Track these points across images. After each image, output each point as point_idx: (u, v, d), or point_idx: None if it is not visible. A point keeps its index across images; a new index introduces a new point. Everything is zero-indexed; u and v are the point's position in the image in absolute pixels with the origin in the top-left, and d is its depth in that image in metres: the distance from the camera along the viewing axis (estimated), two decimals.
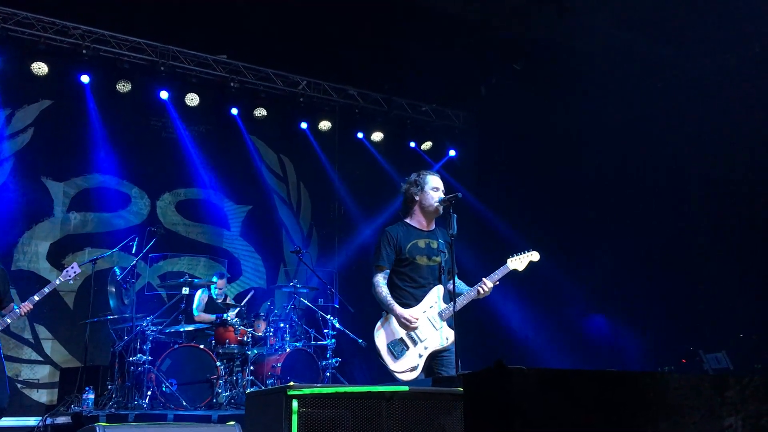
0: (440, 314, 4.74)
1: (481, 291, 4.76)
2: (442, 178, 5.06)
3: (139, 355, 7.22)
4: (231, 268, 10.62)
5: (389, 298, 4.72)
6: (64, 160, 9.88)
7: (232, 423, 5.63)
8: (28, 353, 9.22)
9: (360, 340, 7.97)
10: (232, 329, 7.93)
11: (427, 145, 12.13)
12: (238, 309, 8.38)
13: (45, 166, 9.74)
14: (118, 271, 8.18)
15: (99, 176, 10.08)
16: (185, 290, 7.96)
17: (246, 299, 8.81)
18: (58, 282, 6.38)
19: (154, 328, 7.50)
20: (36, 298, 6.13)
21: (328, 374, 7.93)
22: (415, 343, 4.66)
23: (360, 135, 11.71)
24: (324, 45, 9.97)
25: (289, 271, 10.99)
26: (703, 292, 8.57)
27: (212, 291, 8.96)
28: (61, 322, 9.36)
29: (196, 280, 8.34)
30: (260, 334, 8.09)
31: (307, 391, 3.21)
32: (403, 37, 9.79)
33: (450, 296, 4.73)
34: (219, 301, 8.89)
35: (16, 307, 6.04)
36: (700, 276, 8.59)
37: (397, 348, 4.64)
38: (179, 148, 10.53)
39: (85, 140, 9.85)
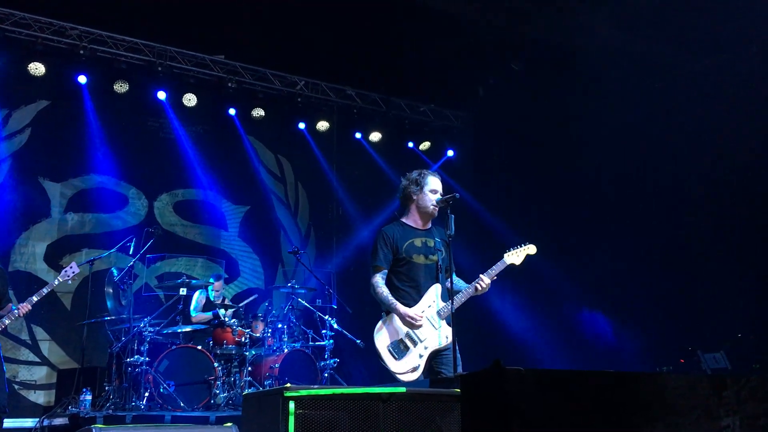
0: (439, 313, 4.73)
1: (479, 287, 4.75)
2: (441, 179, 5.05)
3: (136, 356, 7.21)
4: (229, 269, 10.61)
5: (391, 297, 4.71)
6: (61, 160, 9.87)
7: (229, 424, 5.64)
8: (26, 354, 9.21)
9: (358, 341, 7.96)
10: (230, 330, 7.92)
11: (425, 146, 12.13)
12: (234, 308, 8.36)
13: (42, 166, 9.73)
14: (115, 272, 8.16)
15: (96, 177, 10.07)
16: (183, 291, 7.95)
17: (246, 302, 8.77)
18: (56, 282, 6.35)
19: (151, 329, 7.48)
20: (35, 299, 6.11)
21: (326, 375, 7.92)
22: (415, 343, 4.65)
23: (358, 135, 11.71)
24: (322, 45, 9.96)
25: (287, 272, 10.98)
26: (701, 291, 8.56)
27: (209, 292, 8.95)
28: (59, 323, 9.35)
29: (193, 281, 8.32)
30: (258, 334, 8.07)
31: (303, 392, 3.21)
32: (401, 38, 9.79)
33: (448, 294, 4.71)
34: (217, 302, 8.87)
35: (14, 308, 6.02)
36: (699, 276, 8.59)
37: (398, 349, 4.63)
38: (177, 148, 10.52)
39: (83, 141, 9.84)
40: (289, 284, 8.64)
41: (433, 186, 4.93)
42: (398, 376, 4.56)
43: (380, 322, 4.75)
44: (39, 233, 9.59)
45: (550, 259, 8.64)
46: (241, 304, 8.62)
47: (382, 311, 4.81)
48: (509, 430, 2.05)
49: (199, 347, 7.62)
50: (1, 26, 9.05)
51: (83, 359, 7.92)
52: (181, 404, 7.10)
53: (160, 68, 9.93)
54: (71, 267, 6.48)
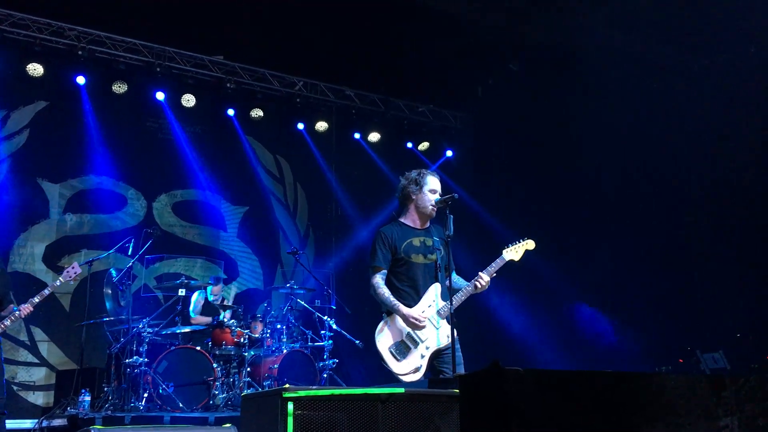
0: (439, 312, 4.72)
1: (478, 285, 4.72)
2: (440, 179, 5.04)
3: (135, 357, 7.20)
4: (228, 270, 10.61)
5: (392, 298, 4.70)
6: (60, 161, 9.86)
7: (228, 425, 5.62)
8: (24, 355, 9.20)
9: (357, 341, 7.96)
10: (229, 331, 7.91)
11: (424, 146, 12.14)
12: (233, 310, 8.35)
13: (41, 167, 9.72)
14: (114, 272, 8.16)
15: (95, 178, 10.06)
16: (182, 292, 7.93)
17: (240, 308, 8.76)
18: (58, 283, 6.28)
19: (150, 330, 7.47)
20: (36, 300, 6.06)
21: (325, 375, 7.91)
22: (416, 344, 4.64)
23: (357, 135, 11.71)
24: (320, 45, 9.96)
25: (285, 272, 10.98)
26: (700, 292, 8.58)
27: (208, 293, 8.94)
28: (58, 324, 9.34)
29: (192, 282, 8.31)
30: (257, 335, 8.06)
31: (302, 393, 3.20)
32: (400, 38, 9.79)
33: (448, 293, 4.70)
34: (215, 304, 8.87)
35: (15, 309, 5.99)
36: (698, 276, 8.60)
37: (399, 350, 4.62)
38: (175, 149, 10.52)
39: (81, 142, 9.84)
40: (288, 285, 8.63)
41: (432, 186, 4.92)
42: (400, 377, 4.55)
43: (381, 324, 4.73)
44: (38, 234, 9.59)
45: (550, 259, 8.65)
46: (239, 307, 8.59)
47: (383, 312, 4.79)
48: (508, 430, 2.05)
49: (198, 348, 7.61)
50: None
51: (82, 360, 7.89)
52: (180, 405, 7.09)
53: (158, 69, 9.93)
54: (73, 267, 6.39)
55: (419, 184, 4.91)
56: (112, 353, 7.66)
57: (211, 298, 8.95)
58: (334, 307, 8.99)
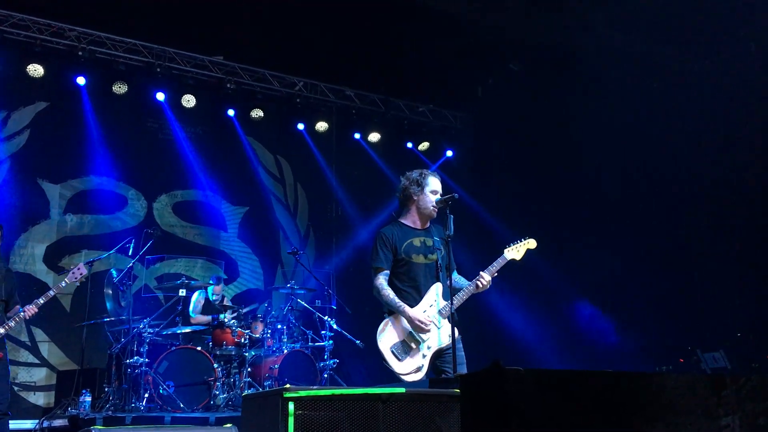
0: (440, 312, 4.71)
1: (479, 285, 4.71)
2: (440, 179, 5.03)
3: (136, 358, 7.21)
4: (228, 270, 10.61)
5: (397, 300, 4.68)
6: (60, 162, 9.87)
7: (229, 425, 5.64)
8: (25, 356, 9.21)
9: (357, 341, 7.96)
10: (230, 331, 7.91)
11: (424, 146, 12.14)
12: (234, 311, 8.34)
13: (41, 168, 9.73)
14: (114, 273, 8.16)
15: (95, 178, 10.07)
16: (182, 292, 7.94)
17: (246, 309, 8.74)
18: (63, 285, 6.21)
19: (151, 330, 7.48)
20: (41, 301, 6.04)
21: (325, 375, 7.91)
22: (418, 343, 4.64)
23: (357, 136, 11.72)
24: (320, 46, 9.97)
25: (286, 273, 10.98)
26: (701, 291, 8.57)
27: (209, 294, 8.94)
28: (58, 324, 9.34)
29: (193, 282, 8.32)
30: (257, 335, 8.06)
31: (303, 393, 3.20)
32: (400, 38, 9.79)
33: (450, 293, 4.70)
34: (216, 303, 8.87)
35: (21, 310, 5.99)
36: (698, 276, 8.60)
37: (401, 350, 4.62)
38: (176, 149, 10.53)
39: (82, 142, 9.85)
40: (288, 285, 8.64)
41: (433, 187, 4.91)
42: (402, 376, 4.54)
43: (382, 324, 4.72)
44: (38, 234, 9.59)
45: (550, 259, 8.66)
46: (243, 309, 8.57)
47: (384, 312, 4.79)
48: (509, 429, 2.05)
49: (199, 348, 7.62)
50: None
51: (83, 360, 7.91)
52: (181, 405, 7.10)
53: (158, 69, 9.94)
54: (78, 269, 6.29)
55: (421, 185, 4.90)
56: (113, 353, 7.67)
57: (212, 298, 8.95)
58: (335, 307, 8.99)
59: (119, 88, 9.89)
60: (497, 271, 4.82)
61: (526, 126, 10.22)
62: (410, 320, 4.63)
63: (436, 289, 4.77)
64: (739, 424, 2.38)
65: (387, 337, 4.65)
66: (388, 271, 4.82)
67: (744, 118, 8.19)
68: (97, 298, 8.27)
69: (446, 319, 4.71)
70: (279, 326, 8.18)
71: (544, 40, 9.64)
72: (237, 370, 7.90)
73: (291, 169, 11.82)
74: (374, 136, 11.77)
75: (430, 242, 4.86)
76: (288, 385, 3.28)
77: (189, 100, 10.36)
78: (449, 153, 12.08)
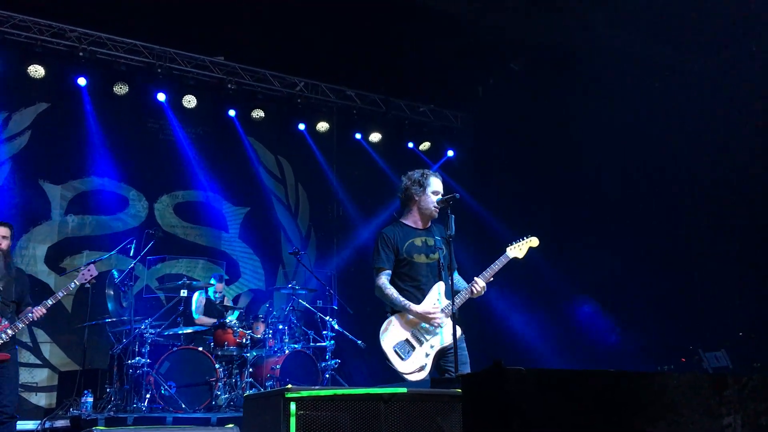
0: (443, 311, 4.72)
1: (474, 291, 4.73)
2: (441, 179, 5.04)
3: (137, 358, 7.22)
4: (229, 270, 10.61)
5: (401, 298, 4.69)
6: (61, 162, 9.87)
7: (230, 426, 5.64)
8: (27, 357, 9.21)
9: (359, 342, 7.96)
10: (231, 331, 7.92)
11: (425, 146, 12.14)
12: (236, 309, 8.36)
13: (42, 169, 9.73)
14: (116, 273, 8.17)
15: (96, 179, 10.08)
16: (183, 293, 7.94)
17: (246, 303, 8.77)
18: (72, 286, 6.17)
19: (152, 331, 7.49)
20: (50, 302, 6.01)
21: (327, 376, 7.92)
22: (420, 342, 4.65)
23: (358, 136, 11.72)
24: (321, 46, 9.97)
25: (287, 273, 10.99)
26: (702, 290, 8.57)
27: (210, 293, 8.95)
28: (60, 325, 9.33)
29: (194, 282, 8.32)
30: (259, 336, 8.07)
31: (305, 393, 3.21)
32: (401, 38, 9.80)
33: (451, 292, 4.70)
34: (218, 303, 8.88)
35: (30, 312, 5.97)
36: (700, 275, 8.59)
37: (404, 349, 4.62)
38: (177, 150, 10.54)
39: (83, 143, 9.85)
40: (289, 285, 8.64)
41: (435, 187, 4.92)
42: (406, 376, 4.54)
43: (385, 323, 4.72)
44: (39, 235, 9.60)
45: (551, 259, 8.66)
46: (241, 306, 8.60)
47: (386, 311, 4.80)
48: (510, 429, 2.05)
49: (200, 348, 7.62)
50: (0, 28, 9.05)
51: (84, 361, 7.92)
52: (183, 406, 7.10)
53: (159, 70, 9.94)
54: (89, 270, 6.23)
55: (423, 185, 4.91)
56: (115, 354, 7.68)
57: (214, 297, 8.96)
58: (336, 308, 9.00)
59: (120, 89, 9.89)
60: (498, 270, 4.83)
61: (527, 126, 10.22)
62: (418, 316, 4.63)
63: (439, 288, 4.78)
64: (740, 424, 2.38)
65: (390, 337, 4.66)
66: (390, 271, 4.83)
67: (744, 118, 8.18)
68: (98, 298, 8.26)
69: (449, 318, 4.71)
70: (280, 326, 8.19)
71: (544, 40, 9.64)
72: (238, 371, 7.91)
73: (292, 169, 11.83)
74: (375, 136, 11.77)
75: (431, 242, 4.87)
76: (289, 386, 3.29)
77: (190, 101, 10.37)
78: (450, 153, 12.08)
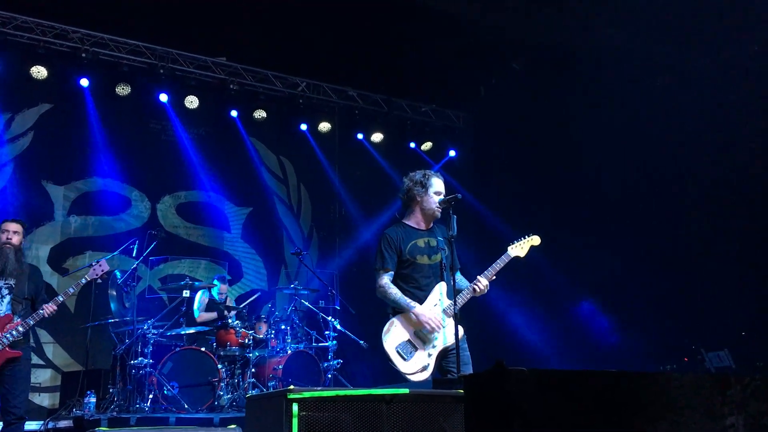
0: (445, 311, 4.73)
1: (477, 289, 4.74)
2: (443, 179, 5.05)
3: (140, 359, 7.23)
4: (232, 271, 10.62)
5: (405, 298, 4.70)
6: (64, 163, 9.89)
7: (233, 426, 5.65)
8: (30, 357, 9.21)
9: (361, 342, 7.97)
10: (233, 332, 7.93)
11: (427, 146, 12.14)
12: (237, 309, 8.37)
13: (45, 169, 9.75)
14: (118, 274, 8.18)
15: (99, 180, 10.10)
16: (186, 293, 7.96)
17: (249, 301, 8.78)
18: (83, 281, 6.18)
19: (155, 331, 7.50)
20: (60, 298, 6.01)
21: (329, 376, 7.93)
22: (423, 343, 4.65)
23: (360, 136, 11.72)
24: (323, 46, 9.99)
25: (289, 273, 11.00)
26: (704, 290, 8.56)
27: (213, 293, 8.96)
28: (63, 325, 9.32)
29: (196, 283, 8.34)
30: (261, 336, 8.09)
31: (307, 394, 3.22)
32: (402, 38, 9.81)
33: (453, 292, 4.71)
34: (221, 304, 8.89)
35: (41, 308, 5.96)
36: (702, 274, 8.58)
37: (406, 349, 4.63)
38: (179, 150, 10.55)
39: (85, 144, 9.87)
40: (292, 285, 8.66)
41: (437, 188, 4.92)
42: (408, 376, 4.55)
43: (388, 324, 4.73)
44: (42, 236, 9.61)
45: (551, 259, 8.66)
46: (243, 305, 8.60)
47: (389, 312, 4.81)
48: (512, 430, 2.06)
49: (203, 349, 7.64)
50: (3, 30, 9.07)
51: (87, 362, 7.93)
52: (185, 406, 7.12)
53: (161, 71, 9.96)
54: (100, 265, 6.21)
55: (425, 186, 4.90)
56: (117, 354, 7.70)
57: (218, 298, 8.97)
58: (338, 308, 9.01)
59: (122, 90, 9.90)
60: (500, 269, 4.84)
61: (527, 125, 10.23)
62: (419, 317, 4.64)
63: (440, 288, 4.79)
64: (743, 424, 2.39)
65: (392, 337, 4.67)
66: (392, 272, 4.84)
67: (744, 118, 8.18)
68: (101, 299, 8.28)
69: (451, 319, 4.72)
70: (283, 327, 8.20)
71: (544, 40, 9.65)
72: (241, 371, 7.92)
73: (294, 169, 11.84)
74: (377, 137, 11.78)
75: (434, 242, 4.88)
76: (292, 386, 3.30)
77: (192, 101, 10.37)
78: (452, 153, 12.09)
